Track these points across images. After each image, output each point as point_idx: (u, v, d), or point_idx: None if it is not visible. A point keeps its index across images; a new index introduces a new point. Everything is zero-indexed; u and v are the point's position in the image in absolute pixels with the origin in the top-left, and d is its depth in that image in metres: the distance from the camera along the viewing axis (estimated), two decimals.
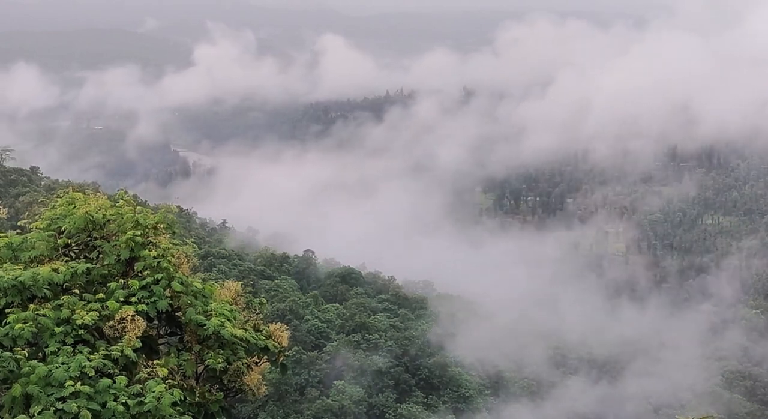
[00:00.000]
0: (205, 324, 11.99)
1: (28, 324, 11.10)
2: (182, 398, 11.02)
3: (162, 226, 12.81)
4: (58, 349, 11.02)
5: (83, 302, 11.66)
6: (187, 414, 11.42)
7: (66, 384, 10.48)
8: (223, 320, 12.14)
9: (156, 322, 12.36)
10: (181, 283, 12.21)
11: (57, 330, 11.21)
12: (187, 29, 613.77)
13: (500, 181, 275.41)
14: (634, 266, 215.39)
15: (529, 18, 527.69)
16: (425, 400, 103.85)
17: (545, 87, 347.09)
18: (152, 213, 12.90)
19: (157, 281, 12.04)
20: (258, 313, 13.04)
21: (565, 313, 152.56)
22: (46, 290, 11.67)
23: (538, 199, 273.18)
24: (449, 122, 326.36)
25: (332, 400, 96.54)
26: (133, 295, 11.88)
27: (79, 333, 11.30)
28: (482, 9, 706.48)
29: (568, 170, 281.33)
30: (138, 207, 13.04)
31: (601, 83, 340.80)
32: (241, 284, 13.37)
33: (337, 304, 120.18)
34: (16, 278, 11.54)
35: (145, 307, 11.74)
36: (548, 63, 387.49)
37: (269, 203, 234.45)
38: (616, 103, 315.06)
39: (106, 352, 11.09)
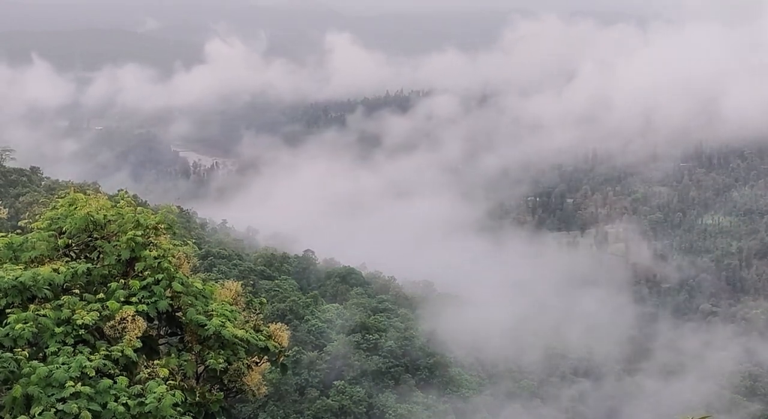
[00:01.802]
0: (205, 325, 11.99)
1: (28, 325, 11.10)
2: (183, 398, 11.02)
3: (162, 226, 12.81)
4: (59, 349, 11.01)
5: (84, 303, 11.65)
6: (188, 415, 11.42)
7: (66, 385, 10.47)
8: (223, 320, 12.14)
9: (156, 322, 12.35)
10: (182, 283, 12.21)
11: (57, 330, 11.20)
12: (189, 30, 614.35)
13: (504, 180, 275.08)
14: (634, 267, 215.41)
15: (534, 18, 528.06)
16: (425, 400, 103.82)
17: (548, 87, 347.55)
18: (153, 214, 12.89)
19: (157, 282, 12.04)
20: (258, 313, 13.03)
21: (565, 313, 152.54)
22: (46, 291, 11.67)
23: (538, 199, 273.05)
24: (455, 121, 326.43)
25: (332, 400, 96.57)
26: (134, 295, 11.87)
27: (80, 333, 11.29)
28: (482, 9, 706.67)
29: (569, 170, 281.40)
30: (138, 207, 13.04)
31: (604, 83, 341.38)
32: (241, 285, 13.35)
33: (337, 304, 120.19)
34: (17, 278, 11.54)
35: (145, 307, 11.73)
36: (552, 63, 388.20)
37: (276, 204, 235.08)
38: (619, 102, 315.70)
39: (107, 352, 11.08)
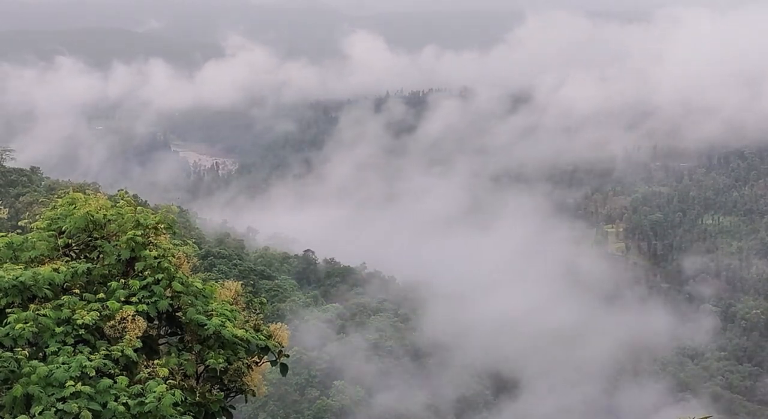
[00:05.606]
0: (205, 324, 11.99)
1: (28, 324, 11.10)
2: (183, 398, 11.02)
3: (162, 226, 12.81)
4: (59, 349, 11.01)
5: (84, 302, 11.66)
6: (188, 414, 11.42)
7: (67, 385, 10.47)
8: (223, 320, 12.13)
9: (156, 322, 12.36)
10: (182, 283, 12.21)
11: (57, 330, 11.20)
12: (191, 30, 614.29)
13: (506, 179, 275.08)
14: (634, 266, 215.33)
15: (536, 17, 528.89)
16: (426, 400, 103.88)
17: (550, 87, 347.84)
18: (152, 213, 12.89)
19: (157, 281, 12.04)
20: (258, 313, 13.03)
21: (564, 313, 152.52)
22: (46, 290, 11.67)
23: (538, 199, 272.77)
24: (457, 120, 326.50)
25: (332, 400, 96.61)
26: (134, 295, 11.87)
27: (80, 333, 11.29)
28: (481, 9, 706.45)
29: (569, 169, 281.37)
30: (138, 207, 13.04)
31: (603, 84, 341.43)
32: (242, 284, 13.35)
33: (337, 304, 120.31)
34: (17, 278, 11.53)
35: (145, 307, 11.73)
36: (554, 62, 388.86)
37: (280, 204, 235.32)
38: (620, 101, 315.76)
39: (107, 352, 11.09)
